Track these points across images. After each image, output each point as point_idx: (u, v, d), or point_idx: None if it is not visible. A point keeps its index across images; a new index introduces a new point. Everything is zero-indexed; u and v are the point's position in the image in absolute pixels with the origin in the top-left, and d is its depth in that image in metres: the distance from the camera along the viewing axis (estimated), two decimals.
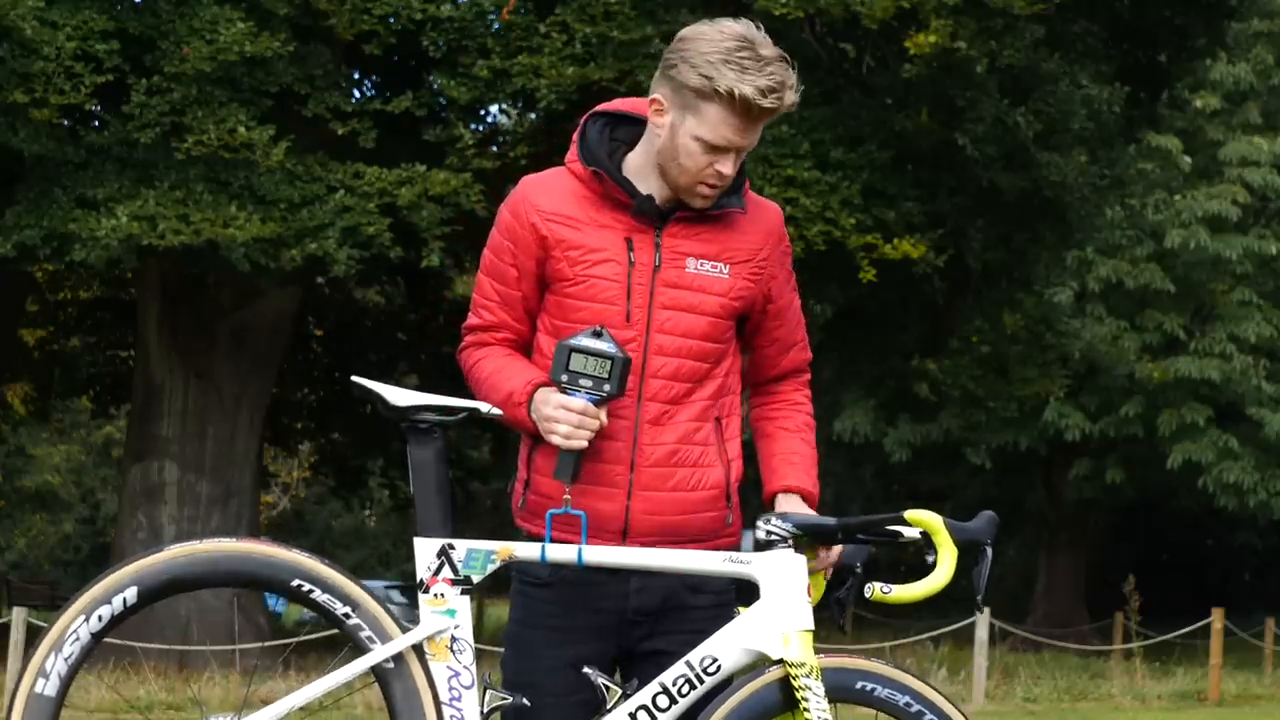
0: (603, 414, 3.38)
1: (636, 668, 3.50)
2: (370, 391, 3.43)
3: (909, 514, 3.39)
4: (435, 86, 19.09)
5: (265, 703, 3.39)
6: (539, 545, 3.37)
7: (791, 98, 3.44)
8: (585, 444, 3.37)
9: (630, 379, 3.46)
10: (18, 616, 14.84)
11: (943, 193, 20.59)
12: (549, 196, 3.54)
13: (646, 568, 3.41)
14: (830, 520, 3.36)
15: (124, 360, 28.44)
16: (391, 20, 18.55)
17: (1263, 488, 31.63)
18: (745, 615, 3.30)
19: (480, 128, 21.55)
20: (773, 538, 3.30)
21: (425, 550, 3.36)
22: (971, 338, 23.46)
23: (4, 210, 18.10)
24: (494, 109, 22.13)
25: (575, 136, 3.58)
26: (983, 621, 18.80)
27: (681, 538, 3.53)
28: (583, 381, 3.34)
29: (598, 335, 3.35)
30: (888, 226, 19.34)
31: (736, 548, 3.63)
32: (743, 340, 3.68)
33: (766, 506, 3.51)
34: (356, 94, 20.96)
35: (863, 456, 42.11)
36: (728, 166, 3.43)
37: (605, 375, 3.34)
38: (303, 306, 23.58)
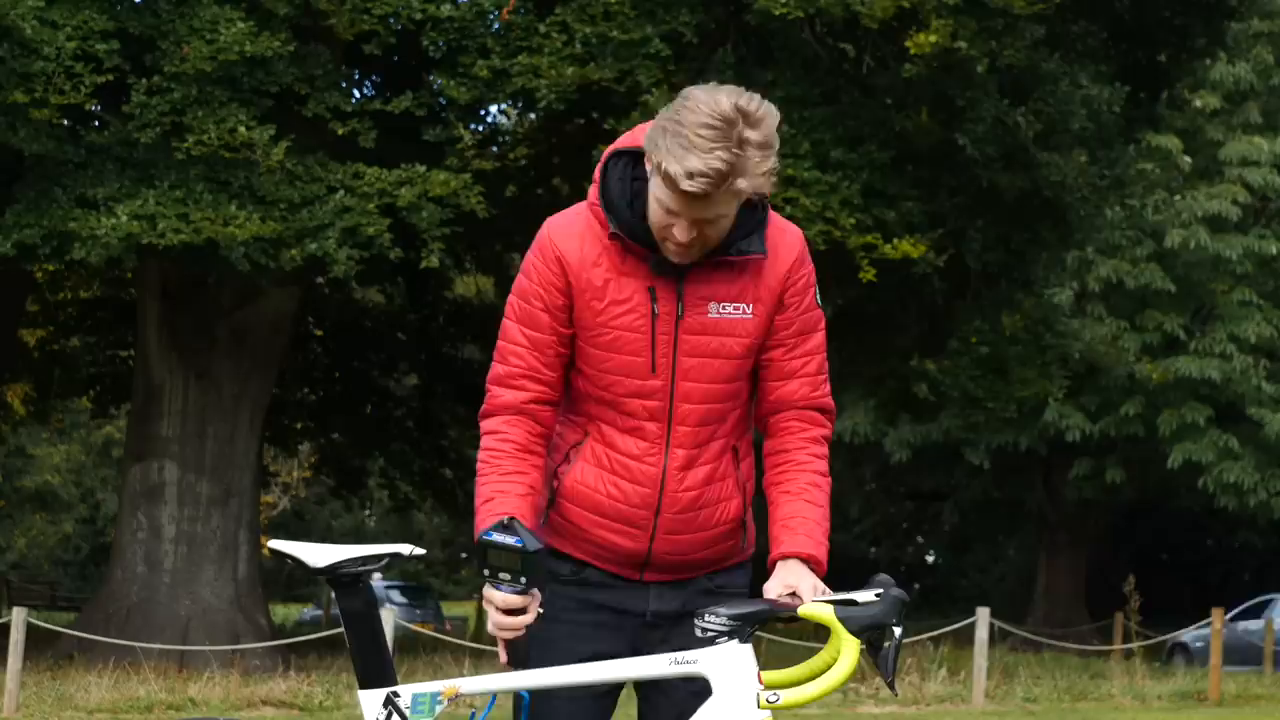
0: (531, 603, 3.30)
1: None
2: (289, 554, 3.37)
3: (801, 611, 3.22)
4: (435, 86, 19.09)
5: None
6: (484, 679, 3.34)
7: (742, 179, 3.28)
8: (515, 634, 3.31)
9: (656, 427, 3.48)
10: (18, 616, 14.83)
11: (943, 193, 20.58)
12: (574, 242, 3.50)
13: (593, 681, 3.37)
14: (762, 604, 3.25)
15: (124, 360, 28.44)
16: (391, 20, 18.54)
17: (1263, 488, 31.63)
18: (700, 713, 3.24)
19: (480, 128, 21.56)
20: (709, 634, 3.22)
21: (370, 702, 3.35)
22: (971, 338, 23.46)
23: (4, 210, 18.10)
24: (494, 109, 22.15)
25: (597, 174, 3.53)
26: (983, 621, 18.81)
27: (698, 569, 3.60)
28: (502, 575, 3.27)
29: (505, 528, 3.25)
30: (888, 226, 19.34)
31: (747, 565, 3.68)
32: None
33: (769, 573, 3.47)
34: (356, 94, 20.97)
35: (863, 456, 42.11)
36: (682, 233, 3.36)
37: (518, 568, 3.24)
38: (303, 306, 23.58)
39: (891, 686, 3.30)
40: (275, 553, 3.38)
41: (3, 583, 38.59)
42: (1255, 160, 31.91)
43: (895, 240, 19.10)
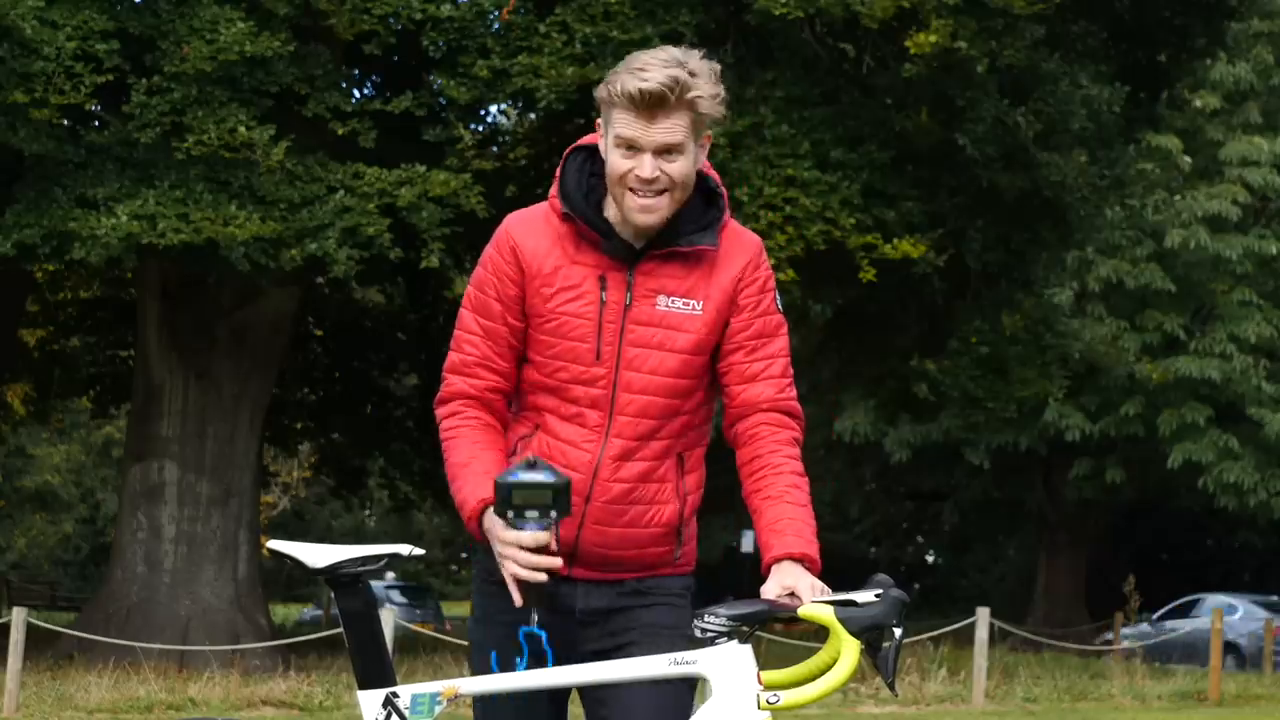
0: (553, 540, 3.34)
1: None
2: (288, 554, 3.38)
3: (801, 611, 3.23)
4: (435, 86, 19.09)
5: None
6: (484, 679, 3.38)
7: (697, 90, 3.42)
8: (545, 576, 3.34)
9: (597, 415, 3.52)
10: (18, 616, 14.82)
11: (943, 193, 20.59)
12: (531, 234, 3.59)
13: (596, 681, 3.39)
14: (761, 604, 3.26)
15: (124, 360, 28.45)
16: (391, 20, 18.55)
17: (1263, 488, 31.66)
18: (700, 714, 3.25)
19: (480, 128, 21.56)
20: (709, 634, 3.23)
21: (370, 702, 3.35)
22: (971, 338, 23.46)
23: (4, 210, 18.10)
24: (494, 109, 22.15)
25: (558, 172, 3.62)
26: (983, 621, 18.81)
27: (626, 569, 3.58)
28: (529, 513, 3.30)
29: (533, 466, 3.30)
30: (887, 226, 19.34)
31: (687, 576, 3.66)
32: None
33: (765, 578, 3.45)
34: (356, 94, 20.97)
35: (863, 456, 42.12)
36: (645, 169, 3.44)
37: (549, 503, 3.29)
38: (303, 306, 23.58)
39: (892, 687, 3.31)
40: (275, 553, 3.38)
41: (3, 583, 38.59)
42: (1255, 160, 31.93)
43: (895, 240, 19.11)
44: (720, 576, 48.58)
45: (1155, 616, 32.61)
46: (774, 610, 3.27)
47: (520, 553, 3.32)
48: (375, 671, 3.36)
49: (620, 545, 3.56)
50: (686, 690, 3.51)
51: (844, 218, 18.76)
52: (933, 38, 17.92)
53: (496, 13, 18.73)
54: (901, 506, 48.96)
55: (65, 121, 18.66)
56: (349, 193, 18.20)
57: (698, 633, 3.24)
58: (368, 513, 54.95)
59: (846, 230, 18.77)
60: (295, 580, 57.34)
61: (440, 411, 3.64)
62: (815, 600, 3.26)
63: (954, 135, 19.65)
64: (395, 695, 3.34)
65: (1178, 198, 31.66)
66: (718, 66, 3.51)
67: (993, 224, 21.45)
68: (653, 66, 3.42)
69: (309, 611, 47.27)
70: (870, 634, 3.17)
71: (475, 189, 18.29)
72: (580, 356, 3.52)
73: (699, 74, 3.44)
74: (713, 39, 19.67)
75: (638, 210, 3.48)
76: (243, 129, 17.63)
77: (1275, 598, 33.47)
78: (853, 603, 3.20)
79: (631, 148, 3.45)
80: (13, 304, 24.81)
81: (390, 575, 44.20)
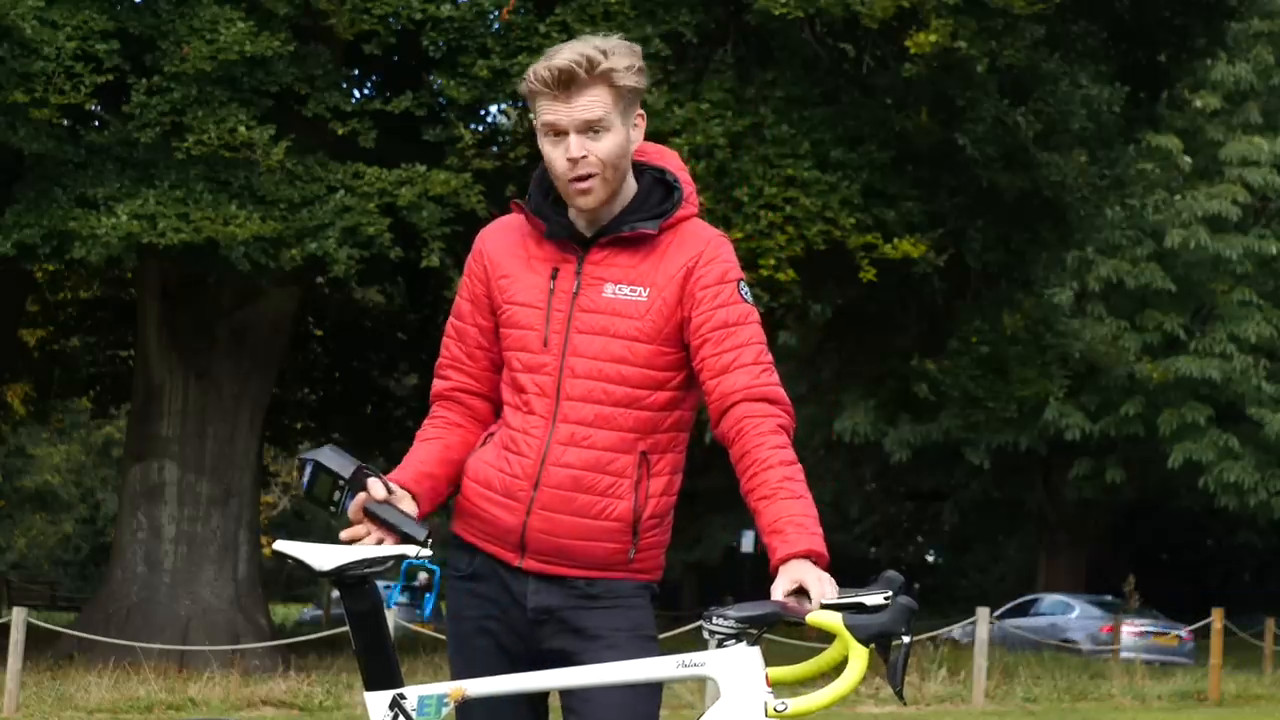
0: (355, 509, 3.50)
1: (545, 669, 3.51)
2: (294, 556, 3.40)
3: (810, 619, 3.22)
4: (435, 86, 19.08)
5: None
6: (491, 680, 3.38)
7: (609, 63, 3.50)
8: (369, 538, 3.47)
9: (545, 402, 3.56)
10: (18, 616, 14.82)
11: (943, 193, 20.59)
12: (497, 236, 3.72)
13: (604, 683, 3.37)
14: (772, 607, 3.24)
15: (124, 360, 28.44)
16: (391, 20, 18.54)
17: (1263, 488, 31.67)
18: (708, 716, 3.23)
19: (480, 128, 21.54)
20: (719, 636, 3.21)
21: (377, 704, 3.35)
22: (971, 338, 23.46)
23: (4, 210, 18.10)
24: (494, 109, 22.13)
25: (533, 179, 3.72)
26: (983, 621, 18.82)
27: (577, 563, 3.57)
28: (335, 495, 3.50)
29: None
30: (888, 226, 19.34)
31: (643, 584, 3.63)
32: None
33: (773, 577, 3.42)
34: (356, 94, 20.96)
35: (863, 456, 42.13)
36: (572, 148, 3.50)
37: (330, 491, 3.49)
38: (303, 306, 23.57)
39: (900, 695, 3.29)
40: (279, 554, 3.38)
41: (3, 583, 38.58)
42: (1255, 160, 31.94)
43: (895, 240, 19.11)
44: (720, 576, 48.59)
45: (996, 614, 33.57)
46: (783, 614, 3.26)
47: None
48: (382, 672, 3.36)
49: (570, 535, 3.55)
50: (655, 692, 3.53)
51: (844, 218, 18.76)
52: (933, 38, 17.92)
53: (496, 13, 18.73)
54: (901, 506, 48.96)
55: (65, 121, 18.65)
56: (349, 192, 18.20)
57: (705, 634, 3.23)
58: None
59: (846, 230, 18.77)
60: (295, 580, 57.34)
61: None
62: (825, 605, 3.24)
63: (954, 135, 19.65)
64: (402, 696, 3.33)
65: (1178, 198, 31.67)
66: (637, 47, 3.58)
67: (993, 224, 21.46)
68: (564, 49, 3.51)
69: (309, 611, 47.30)
70: (879, 640, 3.17)
71: (475, 189, 18.29)
72: (529, 344, 3.58)
73: (612, 51, 3.51)
74: (713, 39, 19.69)
75: (575, 194, 3.54)
76: (243, 129, 17.63)
77: (1109, 598, 33.95)
78: (862, 605, 3.19)
79: (557, 133, 3.51)
80: (13, 304, 24.81)
81: (423, 576, 44.16)
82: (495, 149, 21.39)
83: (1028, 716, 17.51)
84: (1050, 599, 34.55)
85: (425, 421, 3.75)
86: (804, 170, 18.75)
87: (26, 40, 17.06)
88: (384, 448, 30.72)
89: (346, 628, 3.40)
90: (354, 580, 3.34)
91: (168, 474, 21.10)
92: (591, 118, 3.49)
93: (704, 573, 49.79)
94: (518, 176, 21.18)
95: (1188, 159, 31.71)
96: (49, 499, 51.33)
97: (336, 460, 3.47)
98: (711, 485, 37.14)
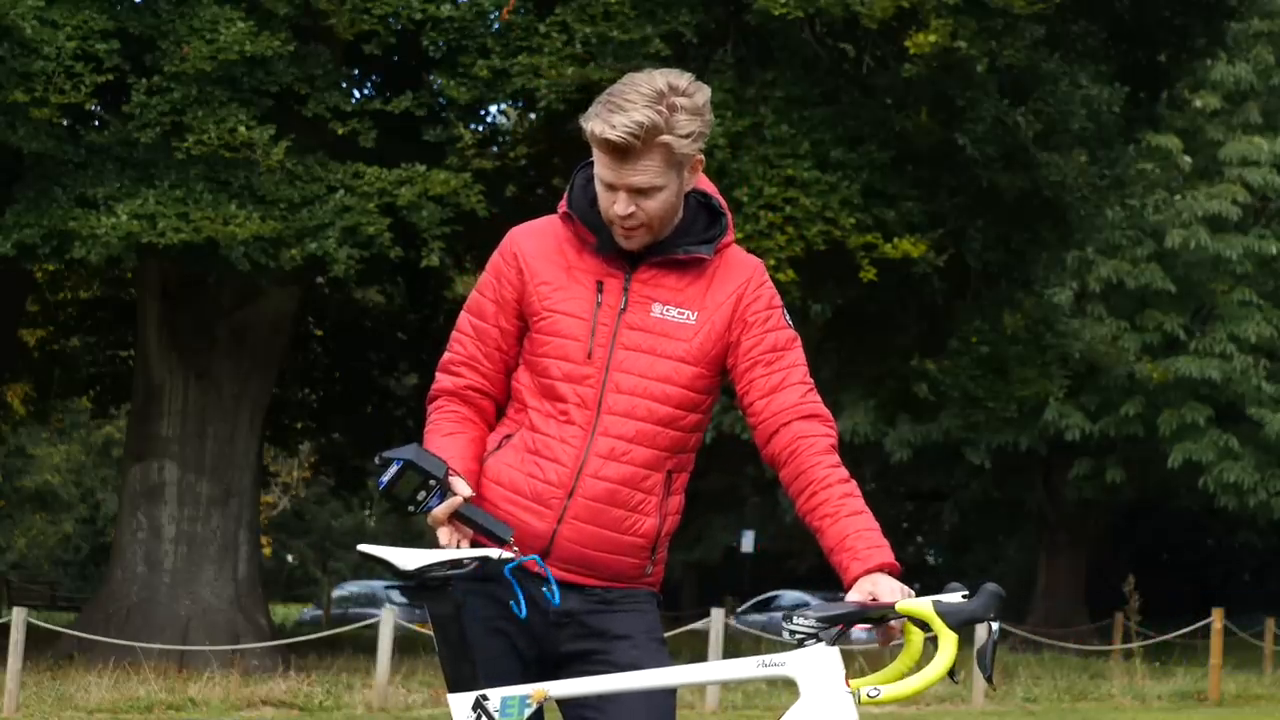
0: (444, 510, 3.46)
1: (562, 671, 3.55)
2: (378, 557, 3.40)
3: (900, 605, 3.23)
4: (435, 86, 19.09)
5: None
6: (572, 682, 3.39)
7: (669, 134, 3.43)
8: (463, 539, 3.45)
9: (585, 413, 3.55)
10: (18, 616, 14.82)
11: (943, 193, 20.59)
12: (535, 240, 3.66)
13: (684, 684, 3.41)
14: (852, 605, 3.26)
15: (124, 360, 28.45)
16: (391, 20, 18.54)
17: (1263, 488, 31.65)
18: (789, 715, 3.23)
19: (480, 128, 21.55)
20: (799, 635, 3.22)
21: (460, 705, 3.37)
22: (971, 338, 23.46)
23: (4, 210, 18.10)
24: (494, 109, 22.14)
25: (568, 187, 3.68)
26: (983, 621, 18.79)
27: (598, 574, 3.60)
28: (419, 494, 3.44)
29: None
30: (887, 226, 19.35)
31: (653, 591, 3.66)
32: (738, 404, 3.68)
33: (848, 589, 3.43)
34: (356, 94, 20.96)
35: (863, 456, 42.07)
36: (620, 205, 3.48)
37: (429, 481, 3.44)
38: (303, 306, 23.58)
39: (989, 680, 3.31)
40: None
41: (3, 583, 38.56)
42: (1255, 160, 31.91)
43: (895, 240, 19.11)
44: (720, 576, 48.59)
45: (739, 610, 36.13)
46: (865, 610, 3.27)
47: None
48: (465, 674, 3.38)
49: (598, 546, 3.57)
50: (672, 690, 3.55)
51: (844, 218, 18.76)
52: (932, 38, 17.92)
53: (496, 13, 18.73)
54: (901, 506, 48.94)
55: (65, 121, 18.66)
56: (349, 192, 18.20)
57: (786, 635, 3.24)
58: (368, 513, 54.92)
59: (846, 230, 18.77)
60: (295, 580, 57.35)
61: (428, 408, 3.73)
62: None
63: (954, 135, 19.65)
64: (485, 698, 3.35)
65: (1178, 198, 31.65)
66: (707, 92, 3.50)
67: (993, 224, 21.46)
68: (628, 107, 3.42)
69: (309, 611, 47.24)
70: (967, 627, 3.19)
71: (475, 188, 18.29)
72: (570, 354, 3.56)
73: (679, 109, 3.44)
74: (713, 39, 19.68)
75: (621, 236, 3.55)
76: (243, 129, 17.63)
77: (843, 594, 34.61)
78: (940, 602, 3.20)
79: (609, 186, 3.49)
80: (13, 304, 24.81)
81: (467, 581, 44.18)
82: (495, 149, 21.41)
83: (1028, 716, 17.51)
84: (790, 595, 37.88)
85: (436, 415, 3.69)
86: (804, 170, 18.75)
87: (26, 40, 17.06)
88: (384, 448, 30.70)
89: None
90: (436, 583, 3.34)
91: (168, 474, 21.11)
92: (644, 185, 3.48)
93: (704, 573, 49.83)
94: (517, 176, 21.20)
95: (1188, 159, 31.70)
96: (49, 499, 51.30)
97: (427, 460, 3.41)
98: (711, 485, 37.18)
